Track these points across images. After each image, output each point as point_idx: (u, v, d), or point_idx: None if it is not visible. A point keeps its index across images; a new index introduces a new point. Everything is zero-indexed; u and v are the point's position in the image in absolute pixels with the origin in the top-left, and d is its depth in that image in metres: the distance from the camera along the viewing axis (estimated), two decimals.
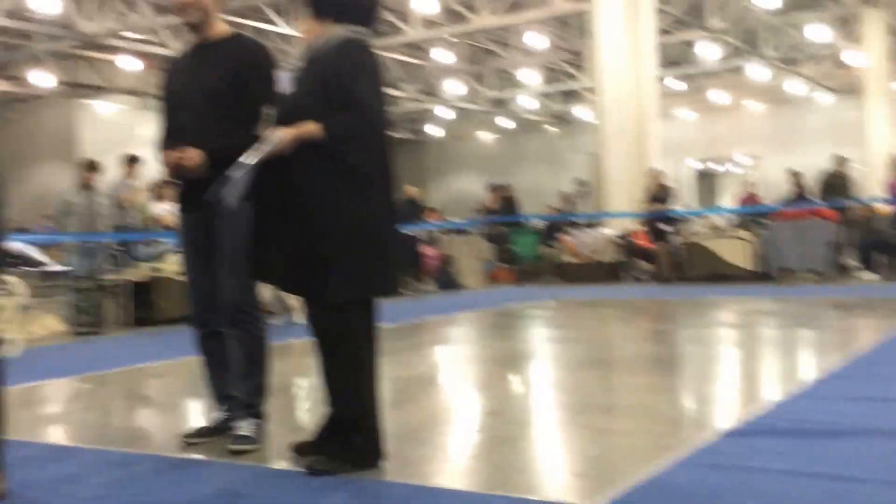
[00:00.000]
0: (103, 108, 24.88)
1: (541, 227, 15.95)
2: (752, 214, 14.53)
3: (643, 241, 13.56)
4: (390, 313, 9.42)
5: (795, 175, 14.03)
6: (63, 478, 3.42)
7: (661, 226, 13.25)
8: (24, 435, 4.14)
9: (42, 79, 22.93)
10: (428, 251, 13.85)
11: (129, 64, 21.58)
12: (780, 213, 13.04)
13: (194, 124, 3.68)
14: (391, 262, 3.41)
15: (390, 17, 20.43)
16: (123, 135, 23.70)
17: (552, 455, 3.75)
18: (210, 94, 3.68)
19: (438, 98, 28.20)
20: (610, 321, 9.47)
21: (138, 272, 9.97)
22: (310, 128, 3.24)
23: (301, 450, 3.43)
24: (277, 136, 3.29)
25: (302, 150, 3.25)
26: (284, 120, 3.35)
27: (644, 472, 3.13)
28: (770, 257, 12.58)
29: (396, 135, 32.32)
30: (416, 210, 15.51)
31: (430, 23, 20.52)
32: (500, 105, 30.00)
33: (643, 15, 14.87)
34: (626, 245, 13.83)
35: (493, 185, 16.33)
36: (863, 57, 21.58)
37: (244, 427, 3.70)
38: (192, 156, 3.60)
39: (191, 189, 3.71)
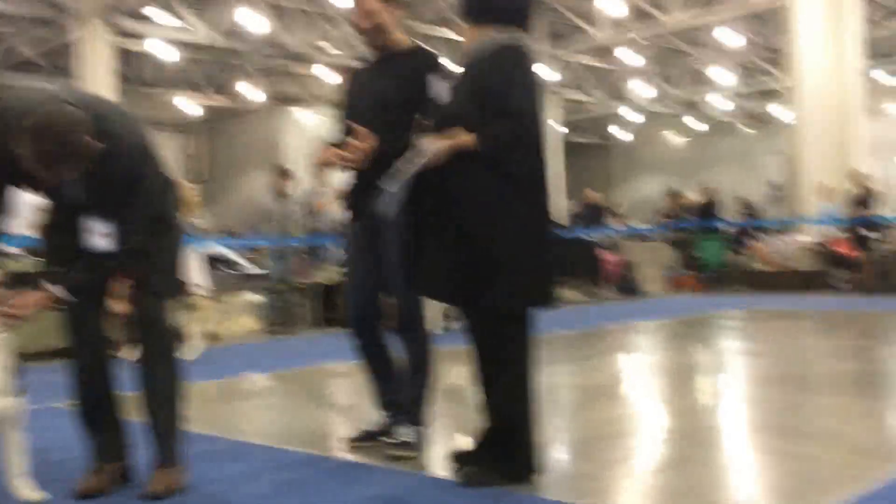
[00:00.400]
0: (305, 118, 26.13)
1: (729, 232, 15.23)
2: None
3: (844, 249, 12.65)
4: (569, 320, 9.36)
5: None
6: (239, 475, 3.57)
7: (865, 232, 12.30)
8: (210, 429, 4.38)
9: (252, 92, 24.55)
10: (609, 257, 13.57)
11: (327, 76, 22.58)
12: None
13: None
14: (552, 272, 3.37)
15: (577, 21, 20.30)
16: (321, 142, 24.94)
17: (724, 481, 3.52)
18: (381, 103, 3.72)
19: (625, 100, 27.66)
20: (803, 334, 8.89)
21: (327, 275, 10.35)
22: (464, 138, 3.22)
23: (460, 459, 3.41)
24: (432, 147, 3.27)
25: (458, 160, 3.23)
26: (440, 128, 3.33)
27: None
28: None
29: (582, 139, 32.21)
30: (598, 215, 15.28)
31: (618, 25, 20.15)
32: (691, 106, 29.04)
33: (847, 5, 13.93)
34: (825, 253, 12.96)
35: (671, 191, 15.80)
36: None
37: (405, 433, 3.72)
38: (362, 145, 3.58)
39: (357, 196, 3.77)
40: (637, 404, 5.28)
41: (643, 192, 31.22)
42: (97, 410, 3.31)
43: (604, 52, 23.36)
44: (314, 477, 3.53)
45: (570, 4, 20.02)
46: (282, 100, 25.45)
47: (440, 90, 3.60)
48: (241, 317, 9.55)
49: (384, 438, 3.79)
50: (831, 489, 3.14)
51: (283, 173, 10.23)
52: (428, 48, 3.92)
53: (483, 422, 3.35)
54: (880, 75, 24.46)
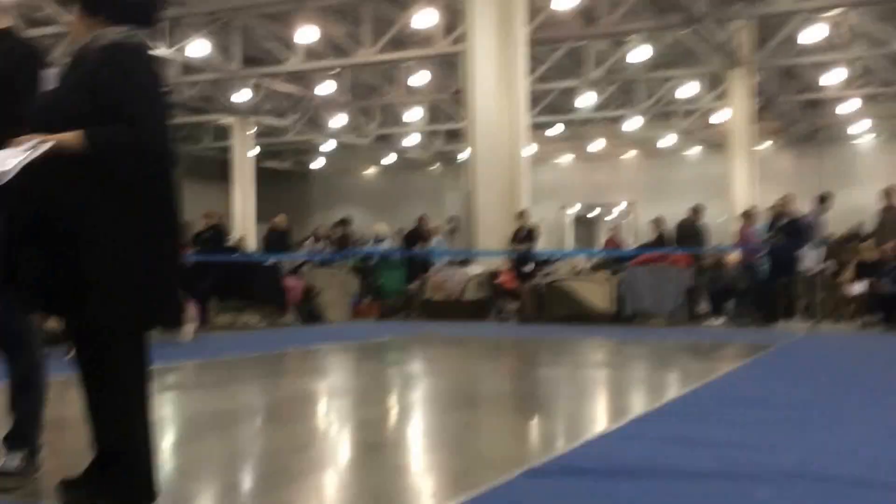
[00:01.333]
0: None
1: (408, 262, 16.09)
2: (612, 258, 15.07)
3: (507, 281, 13.88)
4: (248, 343, 9.35)
5: (657, 222, 14.70)
6: None
7: (525, 266, 13.61)
8: None
9: None
10: (292, 283, 13.82)
11: None
12: (639, 258, 13.58)
13: None
14: (164, 292, 3.17)
15: (273, 45, 20.54)
16: None
17: (330, 493, 3.73)
18: None
19: (323, 129, 28.28)
20: (464, 358, 9.63)
21: None
22: (69, 138, 2.95)
23: (68, 486, 3.18)
24: (36, 144, 2.94)
25: (63, 160, 2.96)
26: (42, 122, 3.05)
27: None
28: (627, 300, 13.07)
29: (281, 165, 32.41)
30: (283, 240, 15.52)
31: (312, 53, 20.63)
32: (385, 141, 30.30)
33: (516, 60, 15.30)
34: (491, 284, 14.14)
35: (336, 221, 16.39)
36: (728, 114, 22.77)
37: (10, 460, 3.47)
38: None
39: None
40: (276, 426, 5.33)
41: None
42: None
43: (301, 79, 23.76)
44: None
45: (267, 29, 20.23)
46: None
47: (48, 80, 3.33)
48: None
49: None
50: (435, 497, 3.51)
51: None
52: (16, 35, 3.63)
53: (93, 447, 3.14)
54: (554, 129, 27.22)
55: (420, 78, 22.53)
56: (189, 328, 10.00)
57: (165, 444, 4.37)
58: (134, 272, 3.03)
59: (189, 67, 21.43)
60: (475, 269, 14.63)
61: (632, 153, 30.14)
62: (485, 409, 5.98)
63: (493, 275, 14.21)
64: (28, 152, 2.92)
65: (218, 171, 28.12)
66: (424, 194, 31.29)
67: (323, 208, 33.03)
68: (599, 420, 5.56)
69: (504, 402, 6.41)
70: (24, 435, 3.50)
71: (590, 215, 31.21)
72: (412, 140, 30.06)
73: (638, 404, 6.16)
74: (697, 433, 4.52)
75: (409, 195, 31.36)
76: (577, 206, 30.56)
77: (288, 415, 5.70)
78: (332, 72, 22.33)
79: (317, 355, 9.61)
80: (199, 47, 19.41)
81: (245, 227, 24.60)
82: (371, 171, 33.75)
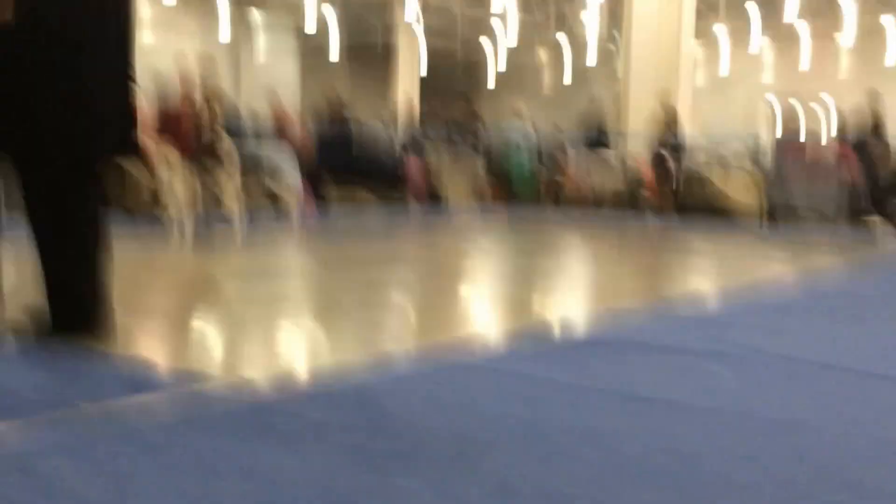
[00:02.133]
0: None
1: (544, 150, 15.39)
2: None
3: (645, 171, 12.99)
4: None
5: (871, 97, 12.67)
6: None
7: (666, 153, 12.61)
8: None
9: None
10: (413, 164, 13.58)
11: None
12: (792, 146, 12.21)
13: None
14: (106, 122, 3.26)
15: None
16: (163, 25, 23.89)
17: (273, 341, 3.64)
18: None
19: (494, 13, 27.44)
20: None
21: None
22: None
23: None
24: None
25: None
26: None
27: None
28: (777, 194, 11.89)
29: (449, 48, 31.90)
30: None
31: None
32: (562, 26, 29.05)
33: None
34: (631, 172, 13.31)
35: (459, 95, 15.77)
36: None
37: None
38: None
39: None
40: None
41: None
42: None
43: None
44: None
45: None
46: None
47: None
48: None
49: None
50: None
51: None
52: None
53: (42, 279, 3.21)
54: None
55: None
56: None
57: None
58: (73, 108, 3.12)
59: None
60: (612, 156, 13.79)
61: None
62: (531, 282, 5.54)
63: (633, 166, 13.34)
64: None
65: (382, 53, 28.05)
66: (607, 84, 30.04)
67: (495, 95, 32.49)
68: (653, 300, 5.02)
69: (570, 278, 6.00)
70: None
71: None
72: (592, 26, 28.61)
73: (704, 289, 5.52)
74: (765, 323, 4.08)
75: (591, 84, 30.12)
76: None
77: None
78: None
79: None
80: None
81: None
82: (545, 56, 32.58)
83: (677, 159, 12.62)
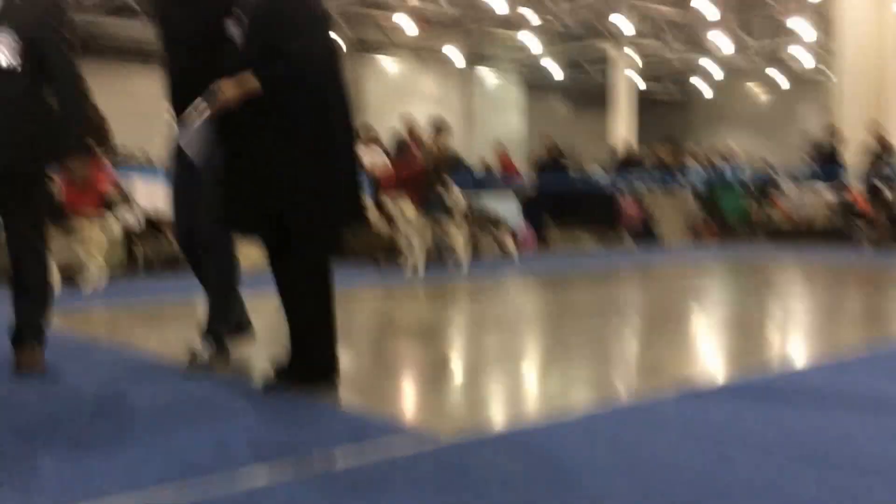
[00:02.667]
0: (387, 64, 26.18)
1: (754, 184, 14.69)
2: None
3: (861, 203, 12.09)
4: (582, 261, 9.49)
5: None
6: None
7: (879, 185, 11.69)
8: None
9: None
10: (629, 205, 13.38)
11: (406, 23, 22.68)
12: None
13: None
14: (343, 195, 3.46)
15: None
16: (405, 89, 25.10)
17: (464, 393, 3.71)
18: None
19: (705, 53, 26.60)
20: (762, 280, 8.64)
21: None
22: (248, 80, 3.32)
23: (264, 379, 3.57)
24: (222, 90, 3.36)
25: (248, 101, 3.34)
26: (228, 70, 3.41)
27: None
28: None
29: (662, 93, 31.17)
30: (634, 165, 15.03)
31: None
32: (773, 60, 27.64)
33: None
34: (845, 206, 12.42)
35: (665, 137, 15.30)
36: None
37: (202, 349, 3.89)
38: None
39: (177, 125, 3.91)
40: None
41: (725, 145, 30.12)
42: None
43: (681, 2, 22.53)
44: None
45: None
46: (363, 47, 25.60)
47: (234, 33, 3.64)
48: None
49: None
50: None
51: None
52: None
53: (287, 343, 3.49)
54: None
55: None
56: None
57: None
58: (316, 190, 3.35)
59: None
60: (827, 191, 12.93)
61: None
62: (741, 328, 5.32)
63: (848, 198, 12.46)
64: (214, 98, 3.38)
65: (599, 97, 27.88)
66: (817, 115, 28.22)
67: (706, 133, 31.37)
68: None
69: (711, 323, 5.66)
70: (212, 328, 3.92)
71: None
72: (803, 57, 27.03)
73: None
74: None
75: (802, 116, 28.43)
76: None
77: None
78: None
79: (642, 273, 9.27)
80: None
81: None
82: (757, 91, 31.05)
83: (892, 189, 11.67)
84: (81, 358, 4.26)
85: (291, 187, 3.35)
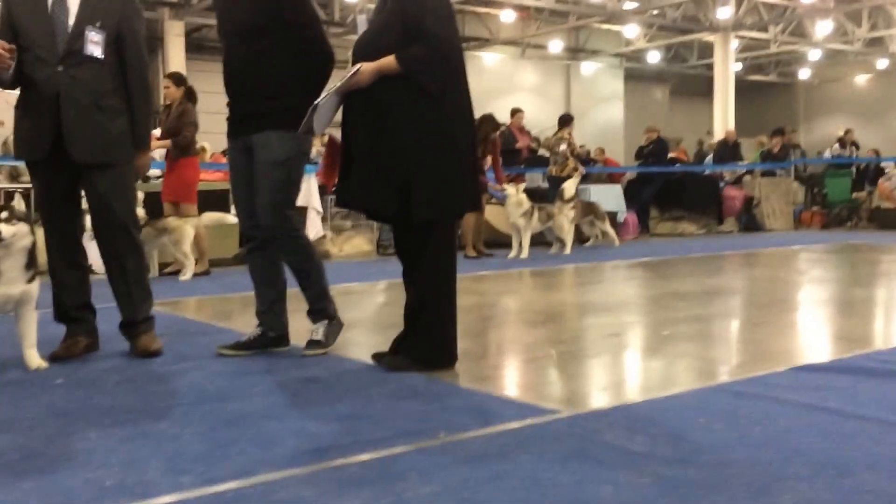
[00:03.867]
0: (488, 59, 26.06)
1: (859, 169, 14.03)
2: None
3: None
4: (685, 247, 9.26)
5: None
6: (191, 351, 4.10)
7: None
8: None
9: None
10: (732, 192, 13.00)
11: (507, 16, 22.56)
12: None
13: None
14: (467, 182, 3.46)
15: None
16: (505, 83, 24.99)
17: (595, 371, 3.69)
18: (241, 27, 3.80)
19: (808, 39, 25.50)
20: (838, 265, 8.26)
21: None
22: (387, 61, 3.34)
23: (379, 358, 3.59)
24: (359, 70, 3.37)
25: (383, 81, 3.36)
26: (363, 53, 3.45)
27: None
28: None
29: (764, 78, 30.04)
30: (732, 152, 14.58)
31: None
32: (877, 44, 26.26)
33: None
34: None
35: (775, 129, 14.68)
36: None
37: (315, 332, 3.86)
38: None
39: (232, 120, 3.90)
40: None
41: (828, 131, 28.86)
42: (70, 309, 3.88)
43: None
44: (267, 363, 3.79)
45: None
46: (465, 41, 25.56)
47: (359, 21, 3.68)
48: (354, 238, 10.12)
49: (256, 348, 3.85)
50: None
51: None
52: None
53: (406, 320, 3.50)
54: None
55: None
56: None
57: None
58: (446, 170, 3.38)
59: None
60: None
61: None
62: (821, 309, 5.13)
63: None
64: (351, 77, 3.40)
65: (704, 87, 27.10)
66: None
67: (809, 120, 30.11)
68: None
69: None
70: (321, 308, 3.91)
71: None
72: None
73: None
74: None
75: None
76: None
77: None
78: None
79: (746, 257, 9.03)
80: None
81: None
82: (861, 78, 29.56)
83: None
84: (197, 343, 4.26)
85: (420, 163, 3.34)
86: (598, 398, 3.17)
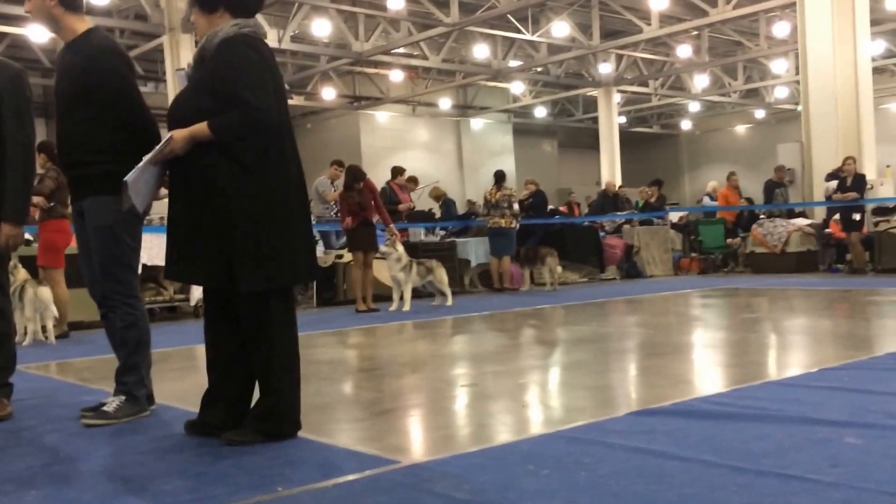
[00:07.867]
0: (380, 117, 26.37)
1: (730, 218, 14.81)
2: None
3: (835, 231, 12.20)
4: (558, 297, 9.49)
5: None
6: None
7: (854, 215, 11.81)
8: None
9: (329, 93, 24.82)
10: (611, 241, 13.50)
11: (396, 76, 23.00)
12: None
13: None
14: (298, 251, 3.33)
15: (629, 16, 19.93)
16: (399, 140, 25.34)
17: (443, 422, 3.74)
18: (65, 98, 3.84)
19: (687, 93, 26.92)
20: (723, 309, 8.70)
21: (324, 258, 10.77)
22: (200, 128, 3.20)
23: (191, 428, 3.46)
24: (171, 138, 3.25)
25: (197, 150, 3.23)
26: (179, 116, 3.32)
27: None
28: None
29: (648, 130, 31.54)
30: (612, 203, 15.18)
31: (668, 18, 19.65)
32: (753, 96, 27.96)
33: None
34: (818, 235, 12.53)
35: (652, 181, 15.55)
36: None
37: (109, 403, 3.78)
38: None
39: (70, 185, 3.99)
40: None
41: (709, 179, 30.30)
42: None
43: (660, 44, 22.88)
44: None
45: (622, 2, 19.75)
46: (357, 101, 25.85)
47: (181, 80, 3.53)
48: None
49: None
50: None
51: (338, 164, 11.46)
52: (99, 34, 3.91)
53: (235, 390, 3.39)
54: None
55: (782, 28, 20.26)
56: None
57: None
58: (269, 240, 3.22)
59: (554, 48, 21.56)
60: (803, 221, 13.05)
61: None
62: (658, 355, 5.36)
63: (823, 226, 12.57)
64: (162, 146, 3.30)
65: (591, 139, 28.17)
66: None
67: (693, 169, 31.63)
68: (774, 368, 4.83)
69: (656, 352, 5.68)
70: (124, 382, 3.83)
71: None
72: (781, 93, 27.38)
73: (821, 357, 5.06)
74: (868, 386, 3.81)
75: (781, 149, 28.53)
76: None
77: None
78: (692, 33, 21.07)
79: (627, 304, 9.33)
80: (561, 28, 19.61)
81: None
82: (741, 128, 31.36)
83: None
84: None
85: (243, 235, 3.20)
86: (439, 447, 3.21)
